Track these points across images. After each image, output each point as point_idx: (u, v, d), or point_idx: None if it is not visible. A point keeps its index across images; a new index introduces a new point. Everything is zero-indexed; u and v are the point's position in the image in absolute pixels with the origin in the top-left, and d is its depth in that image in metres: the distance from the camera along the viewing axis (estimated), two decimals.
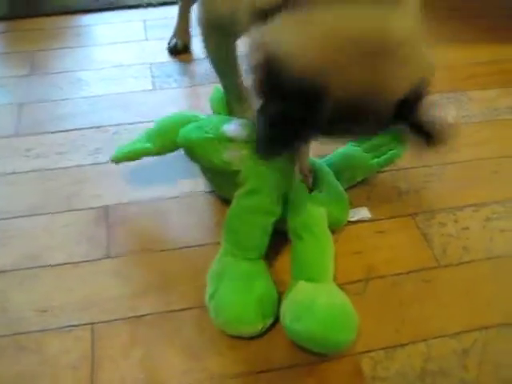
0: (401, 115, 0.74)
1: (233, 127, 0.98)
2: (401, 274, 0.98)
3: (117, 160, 1.08)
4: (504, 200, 1.12)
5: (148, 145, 1.07)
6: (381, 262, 1.00)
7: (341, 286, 0.93)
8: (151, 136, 1.08)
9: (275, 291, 0.90)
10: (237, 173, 0.94)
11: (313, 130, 0.75)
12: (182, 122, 1.04)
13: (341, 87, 0.69)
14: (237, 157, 0.95)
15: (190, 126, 1.01)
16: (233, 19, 0.82)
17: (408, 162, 1.18)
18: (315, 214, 0.94)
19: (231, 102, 1.10)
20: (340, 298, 0.87)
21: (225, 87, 1.09)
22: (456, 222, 1.07)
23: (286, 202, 0.94)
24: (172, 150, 1.06)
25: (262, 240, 0.91)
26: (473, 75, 1.46)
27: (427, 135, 0.76)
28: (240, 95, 1.08)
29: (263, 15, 0.72)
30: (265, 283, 0.89)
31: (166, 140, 1.05)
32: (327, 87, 0.68)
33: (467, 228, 1.06)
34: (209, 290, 0.89)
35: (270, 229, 0.92)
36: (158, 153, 1.08)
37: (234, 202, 0.93)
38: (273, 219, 0.92)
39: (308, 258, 0.90)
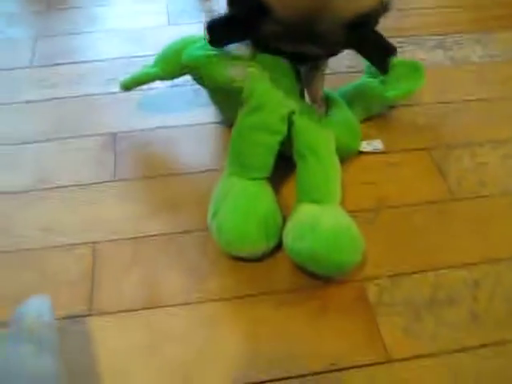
0: (350, 40, 0.83)
1: (236, 45, 0.94)
2: (413, 204, 0.95)
3: (125, 86, 1.07)
4: None
5: (155, 69, 1.05)
6: (393, 193, 0.97)
7: (351, 213, 0.90)
8: (158, 61, 1.06)
9: (280, 213, 0.88)
10: (241, 90, 0.91)
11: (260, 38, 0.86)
12: (188, 44, 1.01)
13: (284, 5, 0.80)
14: (240, 73, 0.92)
15: (194, 46, 0.98)
16: None
17: (427, 97, 1.14)
18: (321, 135, 0.90)
19: None
20: (345, 219, 0.85)
21: None
22: (473, 156, 1.03)
23: (291, 123, 0.91)
24: (180, 74, 1.04)
25: (267, 159, 0.88)
26: (495, 17, 1.40)
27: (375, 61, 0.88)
28: None
29: None
30: (269, 204, 0.87)
31: (172, 63, 1.03)
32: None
33: (485, 163, 1.02)
34: (211, 209, 0.87)
35: (275, 148, 0.89)
36: (166, 77, 1.05)
37: (238, 121, 0.90)
38: (278, 138, 0.89)
39: (312, 179, 0.87)
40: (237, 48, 0.93)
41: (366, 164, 1.01)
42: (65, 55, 1.28)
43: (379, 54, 0.86)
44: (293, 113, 0.90)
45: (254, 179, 0.87)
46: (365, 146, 1.02)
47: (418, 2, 1.41)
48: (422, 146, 1.05)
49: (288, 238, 0.83)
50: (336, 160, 0.90)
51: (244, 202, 0.85)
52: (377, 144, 1.02)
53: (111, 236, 0.90)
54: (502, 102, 1.15)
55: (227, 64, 0.93)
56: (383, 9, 0.84)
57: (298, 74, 0.94)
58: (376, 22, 0.85)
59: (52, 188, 0.98)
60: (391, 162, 1.02)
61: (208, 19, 0.87)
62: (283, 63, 0.91)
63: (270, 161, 0.89)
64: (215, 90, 1.01)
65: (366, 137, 1.03)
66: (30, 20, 1.41)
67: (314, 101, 1.00)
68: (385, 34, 1.27)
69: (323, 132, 0.91)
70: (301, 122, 0.90)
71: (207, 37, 0.88)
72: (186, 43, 1.02)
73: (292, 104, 0.91)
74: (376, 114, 1.09)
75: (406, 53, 1.26)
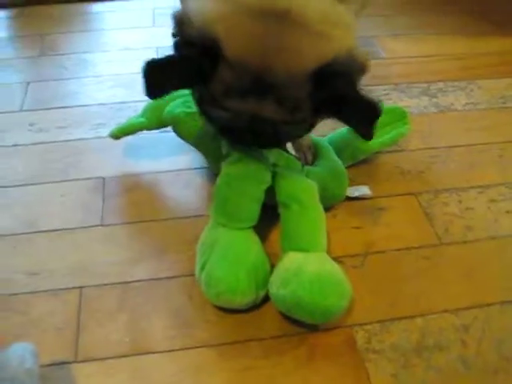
0: (321, 100, 0.73)
1: None
2: (401, 249, 0.95)
3: (114, 135, 1.09)
4: (510, 182, 1.09)
5: (141, 119, 1.07)
6: (381, 238, 0.97)
7: (339, 258, 0.91)
8: (145, 111, 1.08)
9: (268, 262, 0.87)
10: (220, 145, 0.92)
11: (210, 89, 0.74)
12: (173, 96, 1.02)
13: (235, 46, 0.70)
14: None
15: (177, 101, 1.00)
16: None
17: (413, 143, 1.16)
18: (303, 184, 0.91)
19: None
20: (330, 265, 0.84)
21: None
22: (460, 202, 1.04)
23: (274, 174, 0.91)
24: (166, 125, 1.05)
25: (252, 209, 0.88)
26: (482, 65, 1.44)
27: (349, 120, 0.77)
28: None
29: None
30: (258, 254, 0.86)
31: (158, 114, 1.05)
32: (220, 42, 0.70)
33: (471, 208, 1.03)
34: (199, 261, 0.86)
35: (261, 197, 0.89)
36: (152, 127, 1.08)
37: (222, 171, 0.91)
38: (262, 187, 0.89)
39: (296, 229, 0.87)
40: None
41: (353, 209, 1.02)
42: (55, 100, 1.29)
43: (361, 117, 0.76)
44: (274, 165, 0.91)
45: (241, 229, 0.87)
46: (352, 192, 1.02)
47: (403, 51, 1.45)
48: (409, 191, 1.06)
49: (273, 286, 0.83)
50: (320, 208, 0.90)
51: (232, 254, 0.84)
52: (365, 190, 1.03)
53: (98, 281, 0.89)
54: (486, 148, 1.17)
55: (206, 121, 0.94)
56: (358, 66, 0.75)
57: None
58: (350, 80, 0.74)
59: (39, 232, 0.98)
60: (378, 207, 1.03)
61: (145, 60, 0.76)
62: None
63: (256, 210, 0.89)
64: (196, 144, 1.03)
65: (353, 182, 1.04)
66: (23, 65, 1.43)
67: (298, 150, 1.01)
68: (371, 82, 1.32)
69: (306, 181, 0.92)
70: (282, 173, 0.91)
71: (143, 83, 0.77)
72: (171, 95, 1.03)
73: (273, 156, 0.92)
74: (363, 159, 1.10)
75: (391, 100, 1.29)
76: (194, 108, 0.95)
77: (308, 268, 0.81)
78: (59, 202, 1.03)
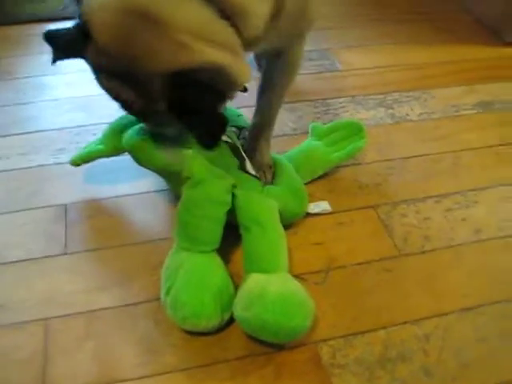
0: (171, 99, 0.78)
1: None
2: (362, 263, 0.98)
3: (74, 163, 1.09)
4: (465, 190, 1.12)
5: (101, 146, 1.08)
6: (342, 253, 0.99)
7: (301, 275, 0.93)
8: (104, 137, 1.09)
9: (232, 285, 0.88)
10: (179, 171, 0.93)
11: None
12: (130, 123, 1.03)
13: (102, 33, 0.77)
14: (176, 157, 0.94)
15: (133, 128, 1.00)
16: None
17: (370, 156, 1.19)
18: (263, 205, 0.93)
19: None
20: (293, 285, 0.86)
21: None
22: (417, 212, 1.07)
23: (233, 196, 0.93)
24: (124, 151, 1.05)
25: (215, 232, 0.90)
26: (436, 74, 1.48)
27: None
28: None
29: None
30: (221, 277, 0.88)
31: (116, 141, 1.05)
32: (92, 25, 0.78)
33: (429, 218, 1.06)
34: (164, 286, 0.87)
35: (222, 219, 0.91)
36: (111, 154, 1.08)
37: (183, 196, 0.92)
38: (224, 209, 0.91)
39: (257, 250, 0.89)
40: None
41: (313, 225, 1.04)
42: (15, 125, 1.28)
43: (206, 128, 0.81)
44: (234, 186, 0.93)
45: (204, 252, 0.88)
46: (312, 208, 1.04)
47: (358, 62, 1.47)
48: (368, 204, 1.09)
49: (237, 308, 0.84)
50: (280, 228, 0.92)
51: (197, 278, 0.86)
52: (324, 206, 1.05)
53: (63, 311, 0.89)
54: (440, 157, 1.21)
55: (161, 148, 0.95)
56: (224, 84, 0.79)
57: (236, 149, 0.98)
58: (206, 92, 0.78)
59: (3, 263, 0.97)
60: (338, 222, 1.05)
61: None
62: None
63: (218, 233, 0.90)
64: (157, 171, 1.03)
65: (313, 198, 1.06)
66: None
67: (258, 169, 1.02)
68: (328, 95, 1.35)
69: (265, 202, 0.94)
70: (242, 194, 0.93)
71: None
72: (129, 122, 1.03)
73: (232, 177, 0.94)
74: (321, 174, 1.12)
75: (348, 112, 1.32)
76: (148, 135, 0.97)
77: (271, 289, 0.83)
78: (22, 231, 1.03)
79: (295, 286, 0.86)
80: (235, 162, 0.99)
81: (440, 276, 0.97)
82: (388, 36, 1.63)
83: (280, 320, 0.80)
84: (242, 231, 0.92)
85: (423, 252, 1.00)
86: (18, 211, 1.07)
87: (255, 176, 1.00)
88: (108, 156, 1.08)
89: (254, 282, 0.85)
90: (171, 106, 0.79)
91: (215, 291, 0.85)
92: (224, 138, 0.97)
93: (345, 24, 1.51)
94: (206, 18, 0.75)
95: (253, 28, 0.80)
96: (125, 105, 0.85)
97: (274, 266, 0.87)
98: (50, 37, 0.86)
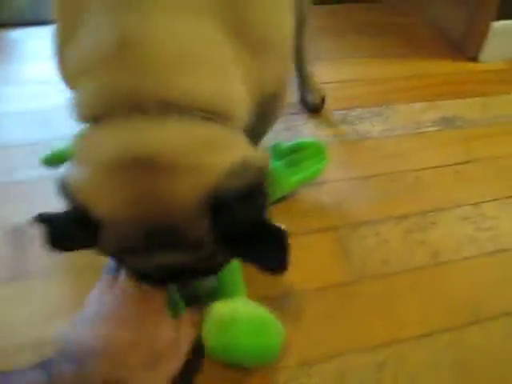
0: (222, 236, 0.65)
1: None
2: (319, 289, 0.97)
3: (45, 161, 1.09)
4: (424, 211, 1.13)
5: None
6: (300, 278, 0.98)
7: (259, 301, 0.91)
8: None
9: None
10: None
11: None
12: None
13: (107, 207, 0.63)
14: None
15: None
16: None
17: (331, 174, 1.18)
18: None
19: None
20: (259, 307, 0.87)
21: None
22: (377, 234, 1.07)
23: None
24: None
25: None
26: (396, 89, 1.48)
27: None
28: None
29: None
30: None
31: None
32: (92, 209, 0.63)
33: (387, 241, 1.06)
34: None
35: None
36: None
37: None
38: None
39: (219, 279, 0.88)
40: None
41: None
42: None
43: (271, 245, 0.66)
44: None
45: None
46: None
47: (321, 77, 1.46)
48: (327, 225, 1.08)
49: (211, 337, 0.82)
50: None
51: None
52: None
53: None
54: (401, 176, 1.21)
55: None
56: (254, 176, 0.67)
57: None
58: (248, 198, 0.65)
59: None
60: (296, 245, 1.03)
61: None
62: None
63: None
64: None
65: (273, 218, 1.05)
66: None
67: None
68: (289, 110, 1.33)
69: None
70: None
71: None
72: None
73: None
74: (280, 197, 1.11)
75: (310, 129, 1.31)
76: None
77: (242, 312, 0.84)
78: None
79: (261, 307, 0.86)
80: None
81: (397, 301, 0.97)
82: (350, 49, 1.63)
83: (259, 340, 0.82)
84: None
85: (381, 276, 1.00)
86: None
87: None
88: None
89: (221, 308, 0.84)
90: (223, 235, 0.65)
91: None
92: None
93: (307, 37, 1.49)
94: (193, 130, 0.63)
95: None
96: (179, 273, 0.70)
97: (236, 292, 0.88)
98: (43, 221, 0.68)
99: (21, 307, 0.92)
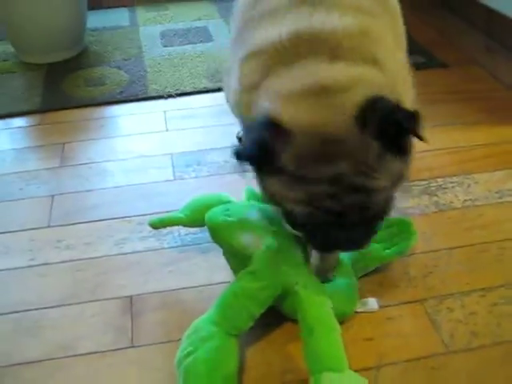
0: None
1: (255, 214, 1.07)
2: (410, 360, 1.02)
3: (153, 224, 1.22)
4: (510, 283, 1.16)
5: (181, 215, 1.19)
6: (391, 349, 1.03)
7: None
8: (186, 209, 1.21)
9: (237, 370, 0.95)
10: (249, 256, 1.02)
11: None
12: (215, 201, 1.16)
13: (296, 118, 0.84)
14: (254, 242, 1.02)
15: (218, 208, 1.11)
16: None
17: (416, 246, 1.23)
18: (326, 305, 0.98)
19: None
20: (362, 381, 0.91)
21: None
22: (463, 307, 1.11)
23: (295, 293, 0.99)
24: (202, 225, 1.16)
25: (248, 323, 0.97)
26: (475, 158, 1.53)
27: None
28: None
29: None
30: (234, 363, 0.94)
31: (197, 214, 1.17)
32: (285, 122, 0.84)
33: (474, 313, 1.10)
34: (183, 349, 0.94)
35: (255, 317, 0.97)
36: (189, 224, 1.21)
37: (236, 279, 1.02)
38: (260, 310, 0.98)
39: (323, 350, 0.93)
40: (255, 216, 1.06)
41: (363, 320, 1.09)
42: (79, 214, 1.38)
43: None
44: (296, 283, 0.99)
45: (230, 334, 0.95)
46: (360, 307, 1.09)
47: None
48: (416, 298, 1.13)
49: None
50: (338, 325, 0.97)
51: (217, 358, 0.92)
52: (372, 303, 1.10)
53: None
54: (485, 247, 1.25)
55: (242, 232, 1.05)
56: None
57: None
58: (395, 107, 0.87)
59: (72, 356, 1.04)
60: (387, 317, 1.09)
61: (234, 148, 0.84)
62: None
63: (248, 325, 0.97)
64: (229, 252, 1.11)
65: (361, 291, 1.11)
66: (46, 177, 1.53)
67: (322, 270, 1.07)
68: None
69: (327, 302, 0.99)
70: (305, 293, 0.99)
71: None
72: (214, 200, 1.17)
73: (296, 275, 1.00)
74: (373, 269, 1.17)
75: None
76: (233, 217, 1.07)
77: None
78: (90, 323, 1.11)
79: (364, 382, 0.91)
80: (302, 257, 1.04)
81: (487, 375, 0.99)
82: (428, 117, 1.68)
83: None
84: (302, 329, 0.96)
85: (470, 349, 1.04)
86: (85, 302, 1.15)
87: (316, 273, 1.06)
88: (185, 225, 1.22)
89: (328, 381, 0.89)
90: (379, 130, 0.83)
91: (225, 375, 0.91)
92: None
93: None
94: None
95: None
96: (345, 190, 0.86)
97: (342, 365, 0.92)
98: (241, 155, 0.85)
99: (138, 373, 1.01)
